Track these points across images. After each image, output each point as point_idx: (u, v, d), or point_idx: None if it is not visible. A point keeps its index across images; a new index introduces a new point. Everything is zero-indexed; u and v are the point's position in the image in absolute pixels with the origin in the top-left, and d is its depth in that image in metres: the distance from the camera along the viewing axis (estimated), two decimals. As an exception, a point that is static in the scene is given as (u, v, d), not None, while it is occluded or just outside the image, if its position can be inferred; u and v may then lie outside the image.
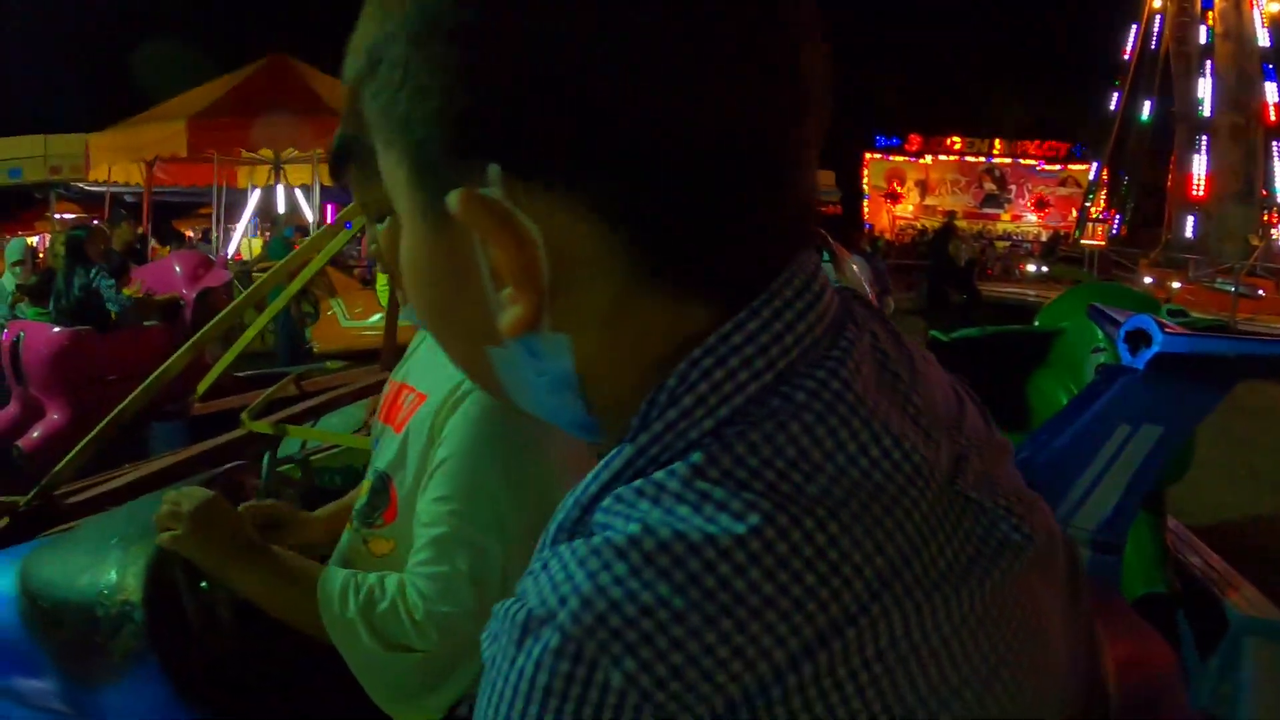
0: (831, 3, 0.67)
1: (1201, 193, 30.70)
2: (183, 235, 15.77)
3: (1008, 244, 34.73)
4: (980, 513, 0.58)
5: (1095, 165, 36.58)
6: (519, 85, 0.50)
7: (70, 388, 6.78)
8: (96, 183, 16.51)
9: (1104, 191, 36.68)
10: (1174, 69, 32.48)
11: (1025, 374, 3.56)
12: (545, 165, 0.51)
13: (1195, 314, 3.42)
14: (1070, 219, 37.76)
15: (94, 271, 7.11)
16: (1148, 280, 20.35)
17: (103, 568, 1.56)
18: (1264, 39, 30.47)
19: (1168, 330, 2.48)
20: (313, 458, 3.58)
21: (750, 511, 0.50)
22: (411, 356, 1.53)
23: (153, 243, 14.73)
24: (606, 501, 0.53)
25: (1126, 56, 34.79)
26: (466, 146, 0.52)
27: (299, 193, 16.39)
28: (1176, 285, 19.64)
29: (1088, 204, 36.62)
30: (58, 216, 20.44)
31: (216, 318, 3.47)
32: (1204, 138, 30.97)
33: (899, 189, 40.60)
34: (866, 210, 38.94)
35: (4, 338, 7.09)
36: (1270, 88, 30.24)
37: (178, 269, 8.45)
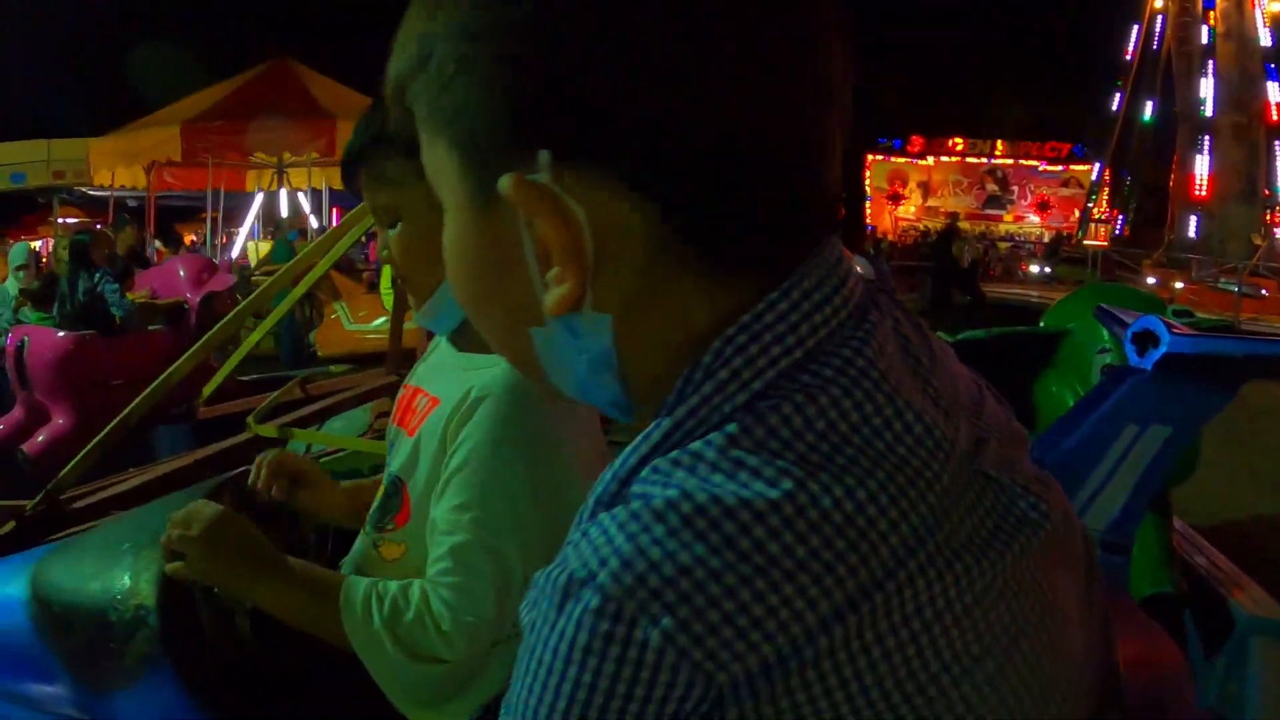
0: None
1: (1204, 193, 30.69)
2: (182, 239, 15.74)
3: (1008, 245, 34.62)
4: (999, 490, 0.60)
5: (1097, 166, 36.59)
6: (569, 77, 0.54)
7: (75, 392, 6.78)
8: (100, 187, 16.51)
9: (1106, 192, 36.68)
10: (1176, 69, 32.47)
11: (1031, 375, 3.55)
12: (591, 152, 0.55)
13: (1200, 314, 3.42)
14: (1072, 220, 37.71)
15: (98, 276, 7.11)
16: (1151, 280, 20.34)
17: (115, 572, 1.55)
18: (1266, 38, 30.45)
19: (1175, 331, 2.47)
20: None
21: (783, 478, 0.52)
22: (425, 360, 1.52)
23: (157, 245, 14.72)
24: (644, 473, 0.56)
25: (1128, 57, 34.80)
26: (518, 134, 0.56)
27: (302, 196, 16.38)
28: (1180, 285, 19.64)
29: (1090, 204, 36.61)
30: (60, 221, 20.45)
31: (221, 322, 3.47)
32: (1206, 138, 30.96)
33: (901, 190, 40.55)
34: (869, 212, 38.91)
35: (8, 342, 7.10)
36: (1272, 87, 30.22)
37: (182, 273, 8.45)
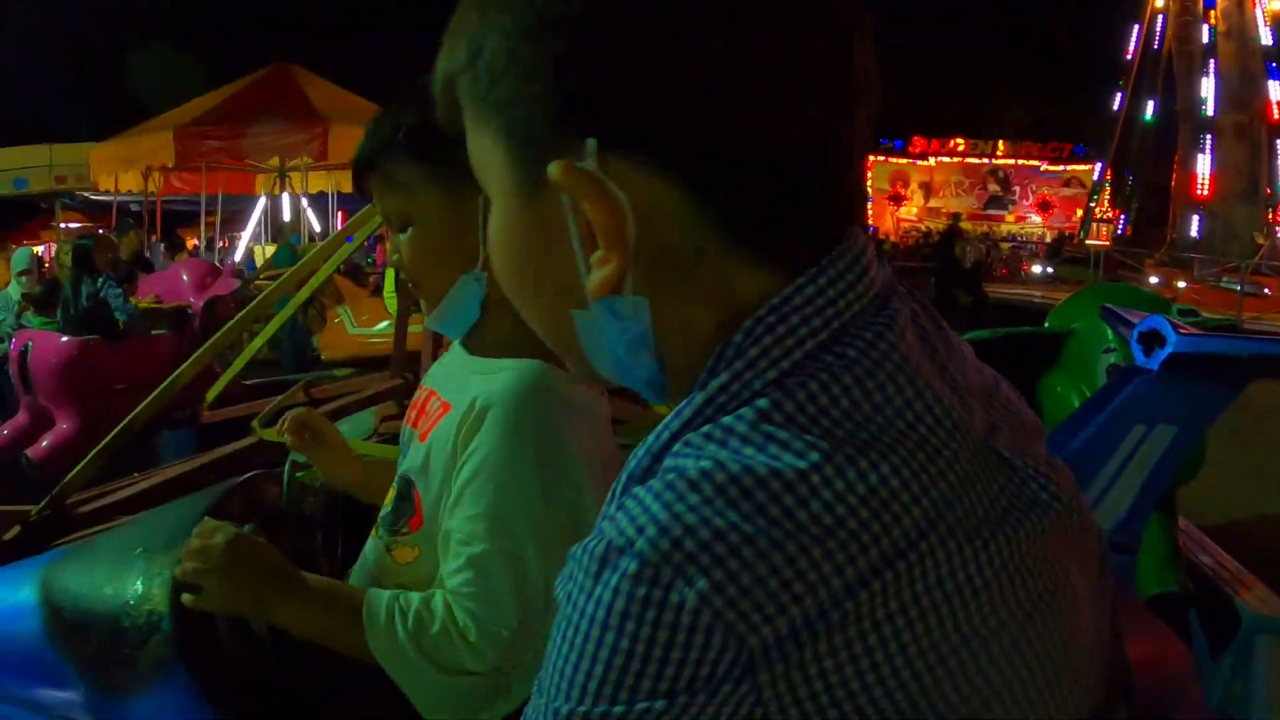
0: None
1: (1206, 192, 30.69)
2: (184, 243, 15.74)
3: (1010, 245, 34.59)
4: (1012, 471, 0.63)
5: (1099, 165, 36.59)
6: (615, 71, 0.58)
7: (78, 397, 6.77)
8: (102, 191, 16.53)
9: (1108, 192, 36.67)
10: (1177, 68, 32.47)
11: (1036, 375, 3.54)
12: (635, 141, 0.58)
13: (1204, 314, 3.41)
14: (1075, 219, 37.69)
15: (101, 280, 7.12)
16: (1154, 280, 20.31)
17: (128, 578, 1.54)
18: (1267, 37, 30.46)
19: (1182, 331, 2.47)
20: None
21: (811, 450, 0.55)
22: (441, 361, 1.52)
23: (163, 248, 14.74)
24: (676, 447, 0.59)
25: (1129, 56, 34.83)
26: (565, 124, 0.59)
27: (304, 200, 16.40)
28: (1182, 285, 19.61)
29: (1092, 204, 36.60)
30: (63, 226, 20.46)
31: (226, 326, 3.47)
32: (1208, 137, 30.97)
33: (903, 191, 40.55)
34: (870, 213, 38.88)
35: (12, 347, 7.10)
36: (1274, 86, 30.23)
37: (185, 277, 8.46)
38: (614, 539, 0.55)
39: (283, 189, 15.36)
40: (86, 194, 19.62)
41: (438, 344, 4.06)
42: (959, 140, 40.97)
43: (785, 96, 0.58)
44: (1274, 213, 29.75)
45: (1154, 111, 34.84)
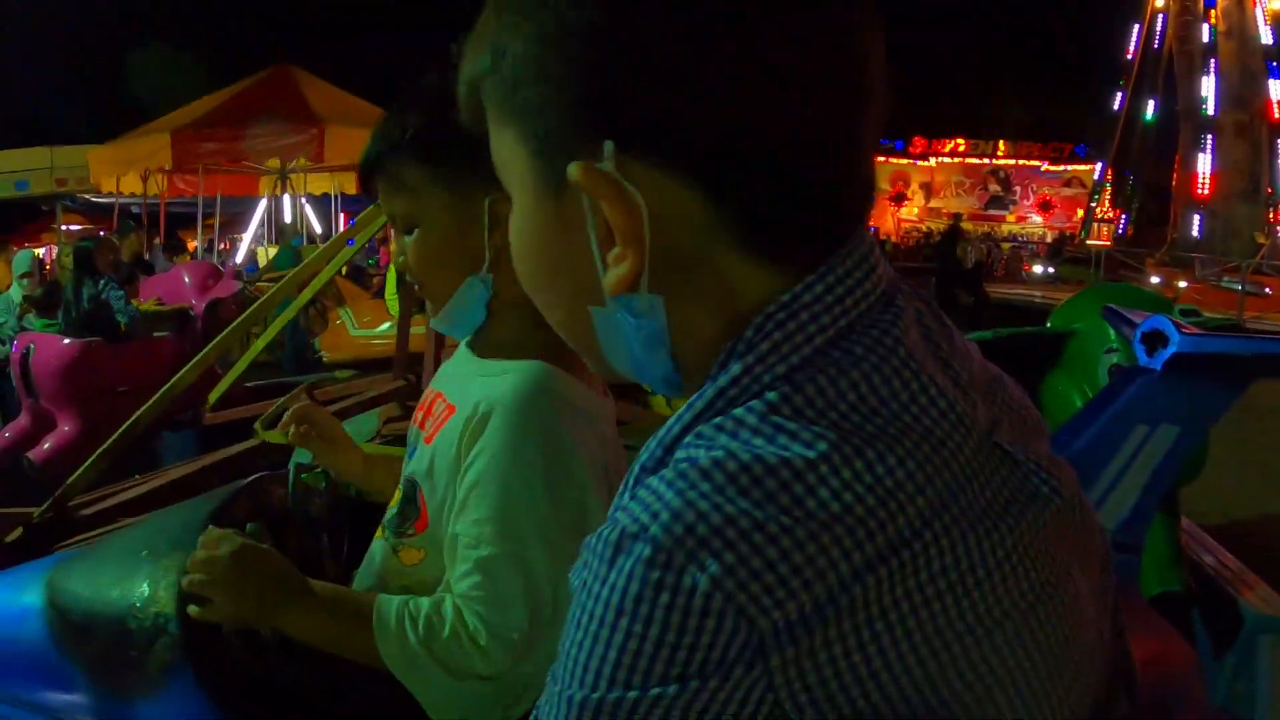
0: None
1: (1207, 191, 30.68)
2: (185, 245, 15.73)
3: (1011, 245, 34.56)
4: (1014, 464, 0.64)
5: (1100, 165, 36.58)
6: (631, 77, 0.59)
7: (80, 399, 6.77)
8: (105, 194, 16.52)
9: (1109, 192, 36.66)
10: (1177, 68, 32.48)
11: (1039, 375, 3.55)
12: (651, 144, 0.60)
13: (1206, 313, 3.42)
14: (1076, 220, 37.68)
15: (103, 283, 7.12)
16: (1155, 280, 20.28)
17: (133, 580, 1.54)
18: (1267, 36, 30.45)
19: (1184, 331, 2.47)
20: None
21: (819, 441, 0.57)
22: (448, 364, 1.52)
23: (161, 250, 14.75)
24: (688, 438, 0.61)
25: (1129, 56, 34.82)
26: (585, 127, 0.61)
27: (304, 202, 16.39)
28: (1183, 284, 19.57)
29: (1093, 204, 36.59)
30: (64, 228, 20.46)
31: (229, 329, 3.47)
32: (1209, 136, 30.96)
33: (903, 192, 40.53)
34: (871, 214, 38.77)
35: (14, 350, 7.10)
36: (1274, 85, 30.22)
37: (187, 279, 8.45)
38: (628, 526, 0.56)
39: (284, 191, 15.36)
40: (87, 196, 19.62)
41: (440, 346, 4.07)
42: (960, 140, 40.96)
43: (796, 100, 0.60)
44: (1275, 212, 29.74)
45: (1155, 111, 34.85)
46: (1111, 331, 3.20)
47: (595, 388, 1.40)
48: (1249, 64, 30.55)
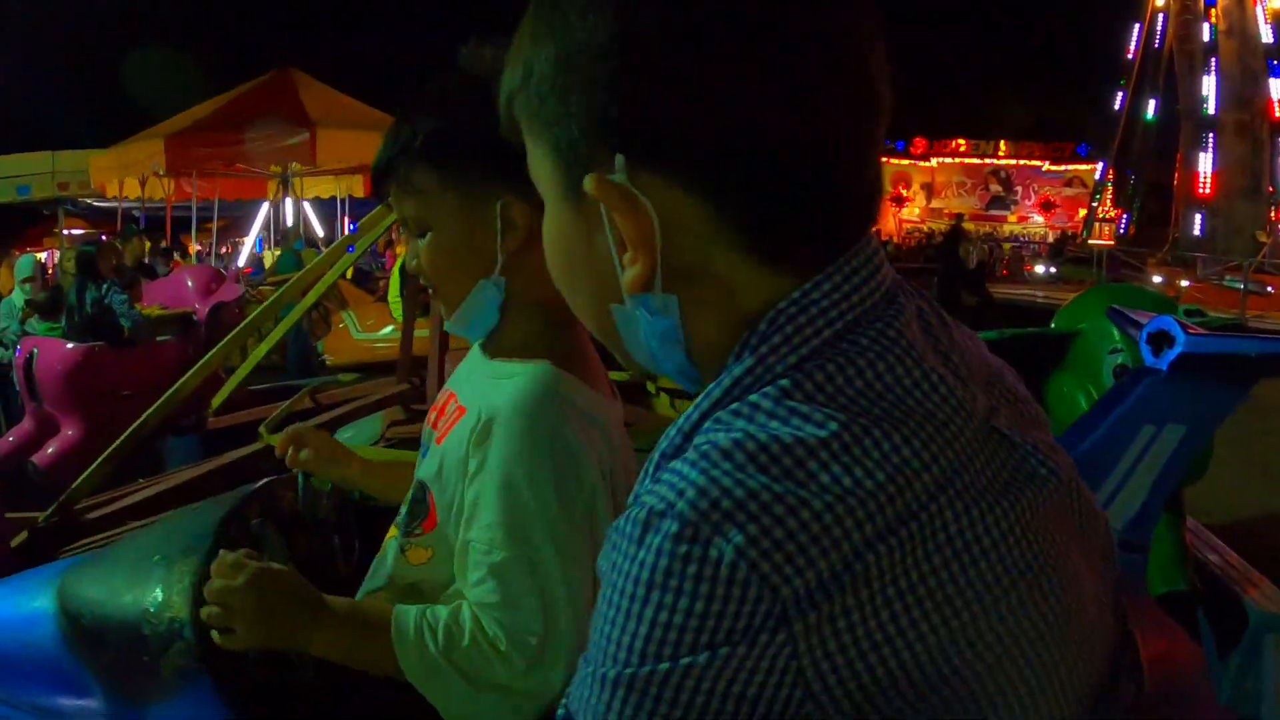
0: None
1: (1208, 190, 30.69)
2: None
3: (1012, 245, 34.56)
4: (1012, 447, 0.69)
5: (1101, 165, 36.58)
6: (640, 96, 0.65)
7: (84, 403, 6.76)
8: (107, 198, 16.53)
9: (1110, 191, 36.65)
10: (1178, 67, 32.48)
11: (1043, 376, 3.54)
12: (658, 157, 0.66)
13: (1211, 313, 3.41)
14: (1077, 219, 37.67)
15: (106, 287, 7.12)
16: (1157, 279, 20.28)
17: (147, 585, 1.53)
18: (1267, 35, 30.45)
19: (1190, 331, 2.47)
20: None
21: (829, 421, 0.61)
22: (462, 365, 1.53)
23: (175, 255, 14.78)
24: (707, 424, 0.65)
25: (1130, 55, 34.82)
26: (599, 141, 0.67)
27: (304, 205, 16.40)
28: (1185, 283, 19.56)
29: (1095, 204, 36.58)
30: (66, 233, 20.47)
31: (233, 333, 3.48)
32: (1210, 135, 30.95)
33: (905, 192, 40.53)
34: (873, 214, 38.72)
35: (17, 354, 7.09)
36: (1275, 83, 30.22)
37: (190, 284, 8.45)
38: (655, 505, 0.60)
39: (285, 194, 15.35)
40: (89, 201, 19.65)
41: (444, 349, 4.07)
42: (961, 141, 40.97)
43: (795, 116, 0.64)
44: (1276, 210, 29.73)
45: (1156, 110, 34.86)
46: (1116, 332, 3.20)
47: (603, 391, 1.40)
48: (1250, 63, 30.55)
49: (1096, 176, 37.08)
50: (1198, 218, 30.74)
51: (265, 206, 16.78)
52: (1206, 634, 2.98)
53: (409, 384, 4.59)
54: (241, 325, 3.43)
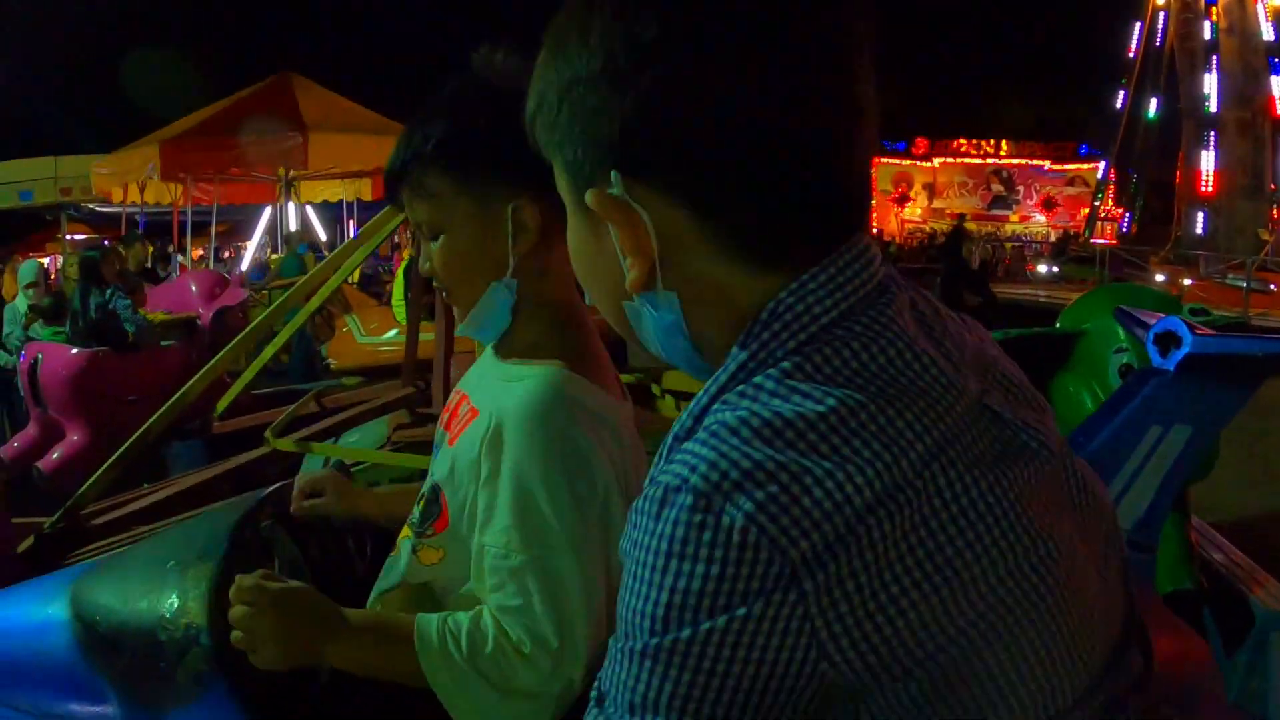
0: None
1: (1210, 189, 30.66)
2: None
3: (1014, 245, 34.51)
4: (1003, 423, 0.74)
5: (1103, 164, 36.55)
6: (632, 119, 0.71)
7: (88, 408, 6.76)
8: (106, 203, 16.53)
9: (1112, 190, 36.61)
10: (1179, 65, 32.45)
11: (1048, 376, 3.53)
12: (651, 173, 0.73)
13: (1215, 312, 3.40)
14: (1079, 218, 37.63)
15: (110, 292, 7.12)
16: (1159, 278, 20.28)
17: (162, 591, 1.54)
18: (1269, 33, 30.44)
19: (1197, 332, 2.46)
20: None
21: (828, 398, 0.68)
22: (475, 367, 1.53)
23: (180, 259, 14.76)
24: (715, 406, 0.72)
25: (1131, 54, 34.79)
26: (599, 159, 0.75)
27: (305, 209, 16.38)
28: (1188, 282, 19.56)
29: (1097, 203, 36.55)
30: (68, 238, 20.47)
31: (239, 337, 3.49)
32: (1211, 133, 30.93)
33: (906, 192, 40.51)
34: (874, 214, 38.83)
35: (22, 360, 7.09)
36: (1276, 81, 30.21)
37: (194, 288, 8.45)
38: (670, 481, 0.66)
39: (287, 198, 15.34)
40: (91, 206, 19.65)
41: (449, 353, 4.07)
42: (962, 141, 40.96)
43: (783, 135, 0.70)
44: (1278, 208, 29.70)
45: (1157, 109, 34.83)
46: (1121, 331, 3.19)
47: (613, 391, 1.41)
48: (1251, 61, 30.54)
49: (1098, 175, 37.06)
50: (1200, 216, 30.72)
51: (267, 210, 16.76)
52: (1213, 633, 2.98)
53: (414, 388, 4.59)
54: (247, 330, 3.43)
